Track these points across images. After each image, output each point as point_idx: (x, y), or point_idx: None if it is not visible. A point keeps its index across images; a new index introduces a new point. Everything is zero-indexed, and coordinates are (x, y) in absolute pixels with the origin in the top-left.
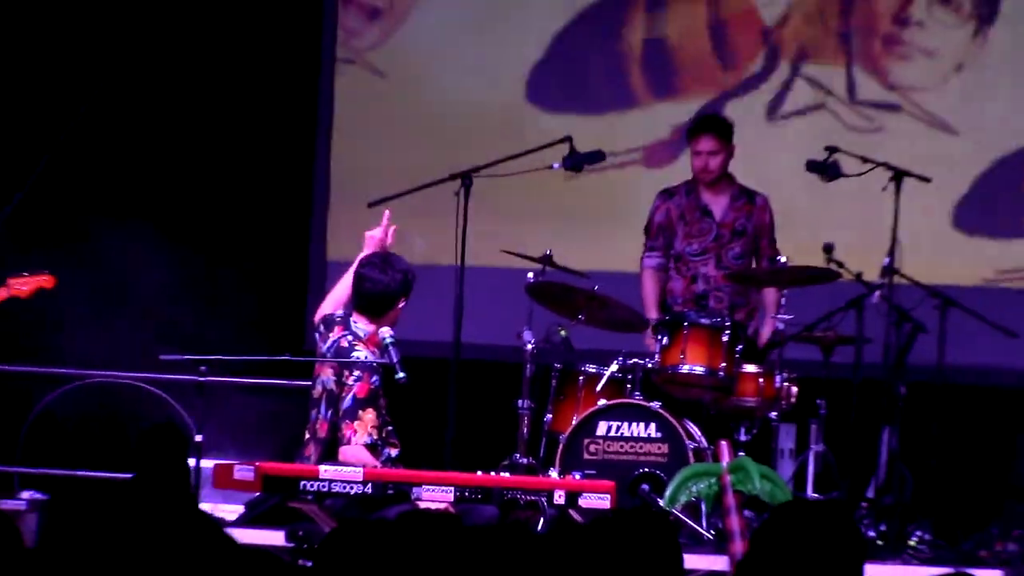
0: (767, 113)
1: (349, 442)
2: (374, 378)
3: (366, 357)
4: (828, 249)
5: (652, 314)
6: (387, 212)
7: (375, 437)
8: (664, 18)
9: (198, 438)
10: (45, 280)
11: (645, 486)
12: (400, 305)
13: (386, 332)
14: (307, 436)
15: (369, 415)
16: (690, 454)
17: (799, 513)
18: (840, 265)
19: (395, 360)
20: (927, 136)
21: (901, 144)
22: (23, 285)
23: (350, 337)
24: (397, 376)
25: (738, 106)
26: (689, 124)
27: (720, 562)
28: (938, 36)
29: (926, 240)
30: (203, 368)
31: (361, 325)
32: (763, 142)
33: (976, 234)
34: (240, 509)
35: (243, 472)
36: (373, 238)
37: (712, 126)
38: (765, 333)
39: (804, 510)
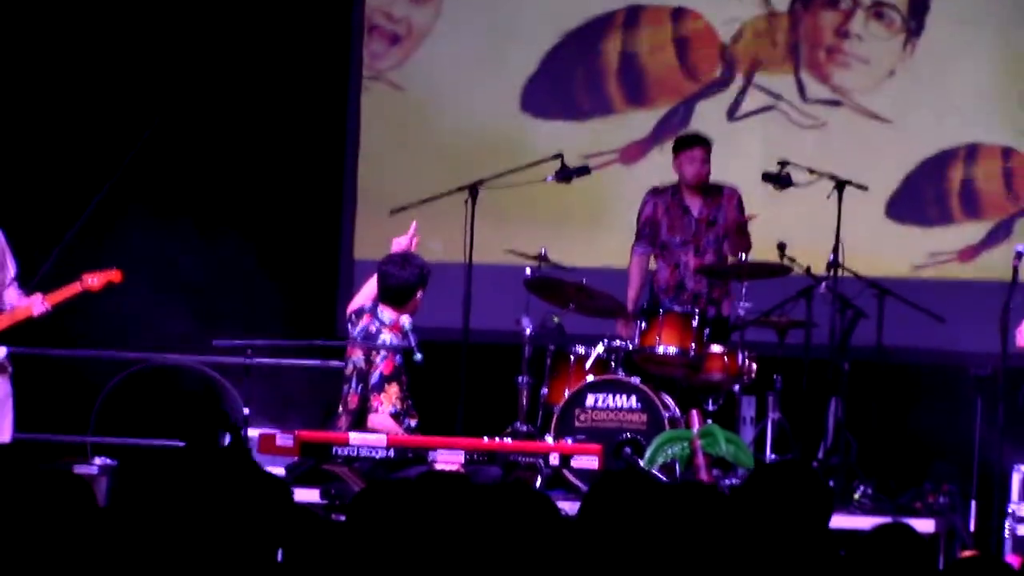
0: (727, 115)
1: (377, 411)
2: (397, 358)
3: (390, 340)
4: (781, 248)
5: (632, 293)
6: (414, 223)
7: (398, 408)
8: (636, 36)
9: (245, 411)
10: (114, 275)
11: (627, 449)
12: (418, 295)
13: (406, 320)
14: (340, 409)
15: (393, 389)
16: (665, 422)
17: (773, 473)
18: (792, 261)
19: (413, 344)
20: (866, 128)
21: (842, 138)
22: (95, 279)
23: (377, 324)
24: (415, 358)
25: (701, 109)
26: (679, 138)
27: None
28: (873, 47)
29: (864, 238)
30: (249, 351)
31: (386, 314)
32: (724, 139)
33: (906, 223)
34: (281, 471)
35: (284, 440)
36: (400, 243)
37: (703, 140)
38: None
39: (777, 471)
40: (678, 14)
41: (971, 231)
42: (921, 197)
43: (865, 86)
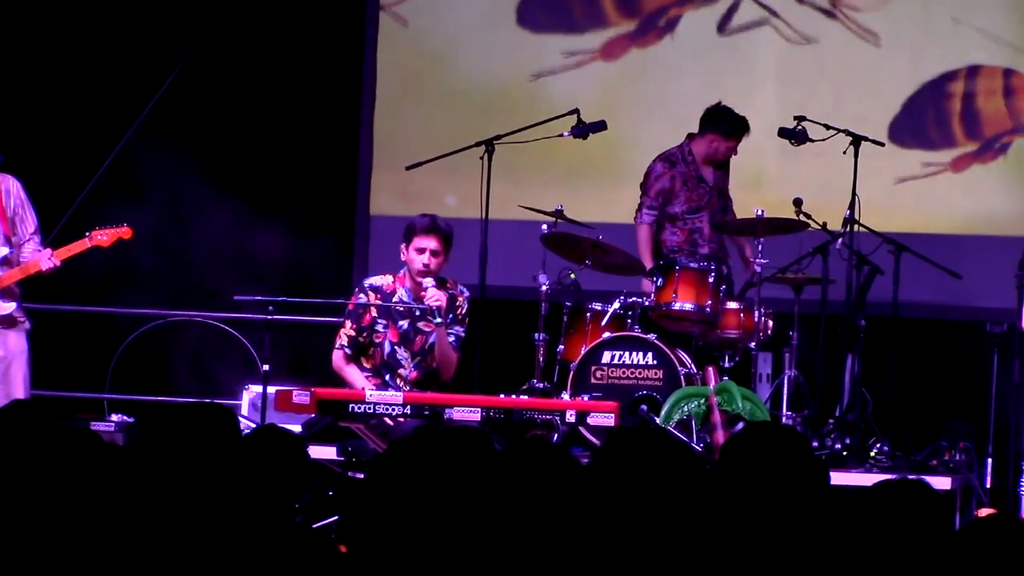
0: (717, 28)
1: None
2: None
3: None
4: (798, 203)
5: (649, 263)
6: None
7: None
8: None
9: (264, 367)
10: (124, 231)
11: (644, 407)
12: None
13: (428, 282)
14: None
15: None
16: (682, 379)
17: (763, 433)
18: (808, 216)
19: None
20: (862, 49)
21: (838, 59)
22: (104, 236)
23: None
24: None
25: (692, 18)
26: (720, 117)
27: None
28: None
29: (880, 193)
30: (271, 308)
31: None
32: (714, 53)
33: (908, 147)
34: (298, 428)
35: (301, 397)
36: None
37: (744, 130)
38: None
39: (767, 431)
40: None
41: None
42: (923, 120)
43: (873, 4)
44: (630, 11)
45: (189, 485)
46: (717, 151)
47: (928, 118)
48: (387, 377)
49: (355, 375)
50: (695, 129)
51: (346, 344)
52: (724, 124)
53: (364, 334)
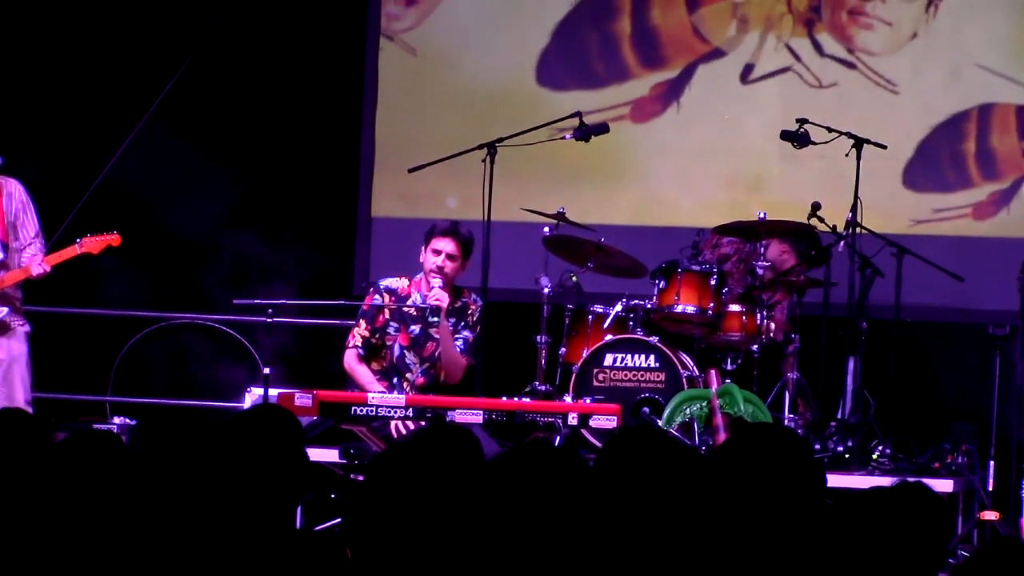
0: (740, 78)
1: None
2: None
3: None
4: (815, 207)
5: None
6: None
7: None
8: (647, 1)
9: (266, 371)
10: (113, 239)
11: (646, 409)
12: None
13: (436, 282)
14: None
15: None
16: (684, 381)
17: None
18: (821, 220)
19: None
20: (880, 93)
21: (856, 103)
22: (93, 243)
23: None
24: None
25: (714, 70)
26: (803, 237)
27: None
28: (896, 9)
29: (883, 196)
30: (271, 311)
31: None
32: (738, 102)
33: (923, 191)
34: None
35: (303, 399)
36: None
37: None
38: None
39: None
40: None
41: (990, 190)
42: (937, 163)
43: (887, 49)
44: (652, 62)
45: (191, 481)
46: (785, 262)
47: (943, 161)
48: (395, 380)
49: (366, 376)
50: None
51: (360, 344)
52: (804, 244)
53: (376, 336)
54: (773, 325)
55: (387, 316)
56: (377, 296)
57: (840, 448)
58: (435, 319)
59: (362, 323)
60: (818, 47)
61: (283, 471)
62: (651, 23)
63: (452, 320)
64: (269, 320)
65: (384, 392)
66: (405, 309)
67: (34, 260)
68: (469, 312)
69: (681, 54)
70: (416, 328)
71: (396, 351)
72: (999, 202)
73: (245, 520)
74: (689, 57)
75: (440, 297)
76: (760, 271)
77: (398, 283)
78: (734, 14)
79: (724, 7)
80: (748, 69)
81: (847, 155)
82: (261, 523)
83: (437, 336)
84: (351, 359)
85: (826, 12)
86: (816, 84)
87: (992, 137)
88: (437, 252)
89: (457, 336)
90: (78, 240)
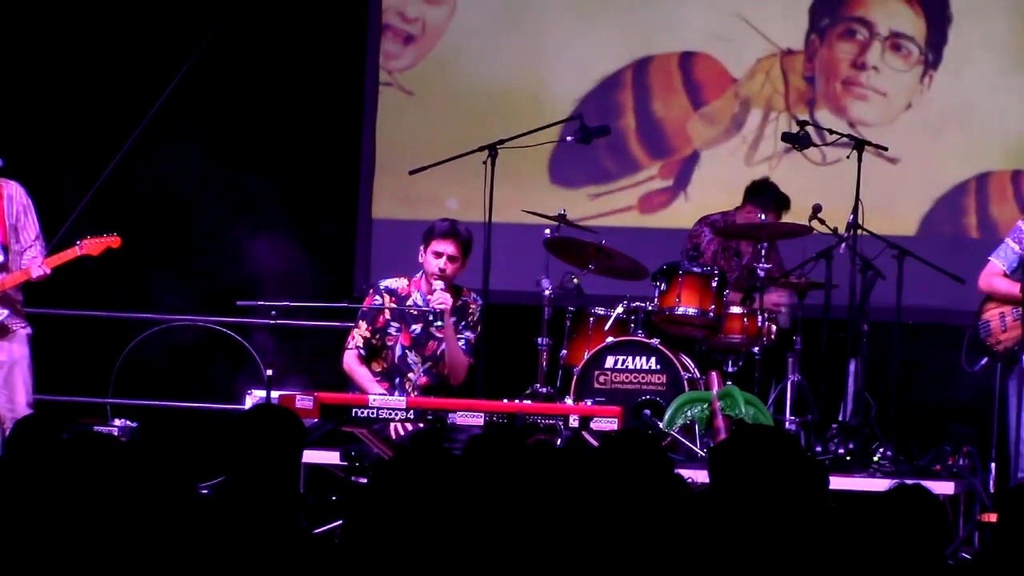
0: (744, 160)
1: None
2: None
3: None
4: (816, 209)
5: None
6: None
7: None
8: (648, 94)
9: (268, 372)
10: (113, 240)
11: (647, 411)
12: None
13: (438, 285)
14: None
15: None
16: (685, 383)
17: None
18: (822, 223)
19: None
20: (882, 166)
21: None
22: (93, 245)
23: None
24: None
25: (718, 154)
26: (760, 191)
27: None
28: (890, 79)
29: (883, 198)
30: (273, 312)
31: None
32: (743, 182)
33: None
34: None
35: (304, 401)
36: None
37: (783, 206)
38: None
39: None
40: (686, 59)
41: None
42: (941, 238)
43: (882, 119)
44: (658, 153)
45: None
46: (753, 222)
47: (944, 235)
48: (396, 381)
49: (365, 376)
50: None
51: (360, 345)
52: (762, 197)
53: (377, 336)
54: (774, 327)
55: (387, 317)
56: (377, 297)
57: (841, 450)
58: (439, 323)
59: (362, 324)
60: (819, 128)
61: (284, 470)
62: (655, 116)
63: (453, 319)
64: (271, 322)
65: (384, 394)
66: (407, 310)
67: (34, 262)
68: (470, 312)
69: (687, 142)
70: (417, 328)
71: (397, 351)
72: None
73: (247, 520)
74: (694, 144)
75: (443, 300)
76: (761, 273)
77: (398, 283)
78: (736, 97)
79: (727, 96)
80: (752, 152)
81: (848, 157)
82: (263, 523)
83: (439, 335)
84: (351, 360)
85: (820, 82)
86: (820, 161)
87: (991, 206)
88: (438, 255)
89: (459, 336)
90: (78, 242)
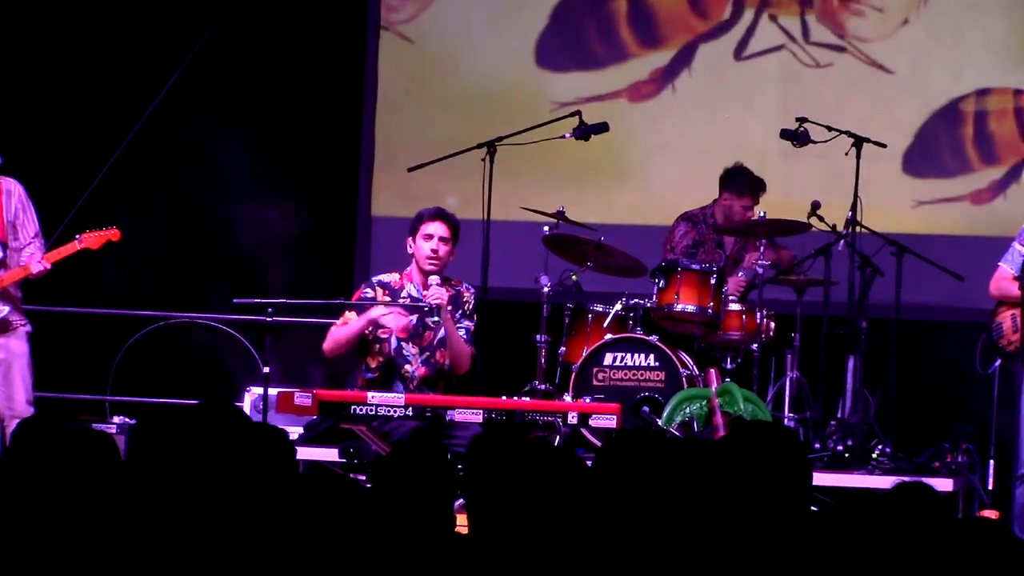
0: (734, 54)
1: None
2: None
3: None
4: (815, 206)
5: None
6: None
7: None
8: None
9: (265, 370)
10: (112, 234)
11: (646, 408)
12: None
13: (434, 280)
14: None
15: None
16: (684, 380)
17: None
18: (821, 219)
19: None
20: (874, 77)
21: (851, 87)
22: (93, 239)
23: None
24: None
25: (710, 48)
26: (733, 177)
27: None
28: None
29: (883, 194)
30: (270, 310)
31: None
32: (732, 78)
33: (924, 177)
34: (300, 430)
35: (302, 398)
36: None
37: (759, 189)
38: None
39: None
40: None
41: (989, 177)
42: (936, 149)
43: (878, 35)
44: (649, 41)
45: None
46: (731, 210)
47: (942, 146)
48: (393, 374)
49: (344, 329)
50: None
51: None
52: (735, 183)
53: (369, 329)
54: (773, 324)
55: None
56: (368, 290)
57: (840, 447)
58: (436, 318)
59: (352, 313)
60: (806, 29)
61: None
62: (647, 2)
63: (449, 308)
64: (269, 319)
65: (384, 388)
66: (401, 301)
67: (33, 258)
68: (464, 300)
69: (678, 33)
70: (413, 319)
71: (393, 343)
72: (996, 189)
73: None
74: (686, 36)
75: (440, 295)
76: (760, 270)
77: (390, 277)
78: None
79: None
80: (742, 46)
81: (847, 154)
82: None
83: (435, 325)
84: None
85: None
86: (812, 64)
87: (990, 120)
88: (429, 237)
89: (458, 325)
90: (77, 236)
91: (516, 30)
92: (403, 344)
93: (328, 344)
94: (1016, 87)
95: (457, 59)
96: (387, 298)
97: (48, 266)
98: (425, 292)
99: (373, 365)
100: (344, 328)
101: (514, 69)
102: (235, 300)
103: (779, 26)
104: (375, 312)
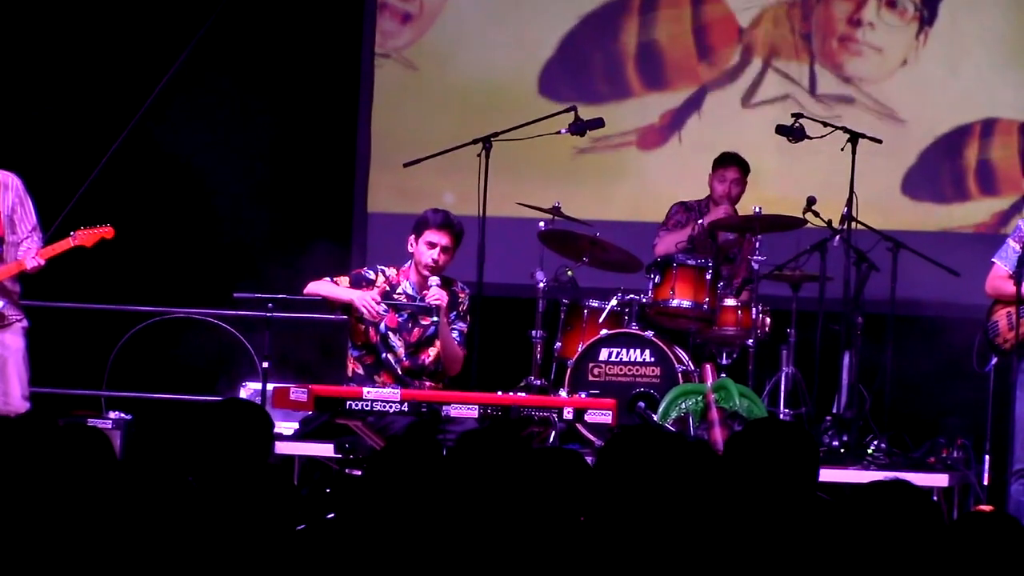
0: (742, 101)
1: None
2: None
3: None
4: (810, 202)
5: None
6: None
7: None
8: (655, 22)
9: (263, 365)
10: (106, 231)
11: (641, 404)
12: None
13: (434, 280)
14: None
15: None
16: (679, 376)
17: (767, 428)
18: (816, 215)
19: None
20: (877, 124)
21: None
22: (87, 236)
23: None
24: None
25: (718, 95)
26: (716, 159)
27: None
28: (886, 35)
29: (879, 200)
30: (270, 305)
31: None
32: (739, 124)
33: (922, 200)
34: (295, 425)
35: (298, 394)
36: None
37: (738, 160)
38: None
39: (772, 426)
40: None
41: (987, 208)
42: (936, 174)
43: (878, 76)
44: (654, 83)
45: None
46: (715, 190)
47: (943, 172)
48: (382, 355)
49: (327, 285)
50: None
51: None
52: (721, 160)
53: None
54: (769, 320)
55: (377, 298)
56: (370, 272)
57: (835, 443)
58: (435, 319)
59: (345, 279)
60: (813, 81)
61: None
62: (656, 44)
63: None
64: (268, 315)
65: (375, 368)
66: (396, 296)
67: (28, 254)
68: (459, 301)
69: (683, 78)
70: (404, 314)
71: (381, 328)
72: (1000, 223)
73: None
74: (692, 82)
75: (440, 297)
76: (755, 265)
77: (388, 271)
78: (740, 41)
79: (731, 35)
80: (750, 94)
81: (842, 149)
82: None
83: (424, 323)
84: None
85: (817, 40)
86: (816, 112)
87: (993, 152)
88: (432, 245)
89: (452, 327)
90: (72, 233)
91: (518, 57)
92: (390, 333)
93: (310, 289)
94: (1021, 120)
95: (453, 50)
96: (387, 287)
97: (42, 262)
98: (425, 292)
99: (360, 343)
100: (331, 288)
101: (512, 67)
102: (235, 295)
103: (786, 76)
104: (359, 295)
